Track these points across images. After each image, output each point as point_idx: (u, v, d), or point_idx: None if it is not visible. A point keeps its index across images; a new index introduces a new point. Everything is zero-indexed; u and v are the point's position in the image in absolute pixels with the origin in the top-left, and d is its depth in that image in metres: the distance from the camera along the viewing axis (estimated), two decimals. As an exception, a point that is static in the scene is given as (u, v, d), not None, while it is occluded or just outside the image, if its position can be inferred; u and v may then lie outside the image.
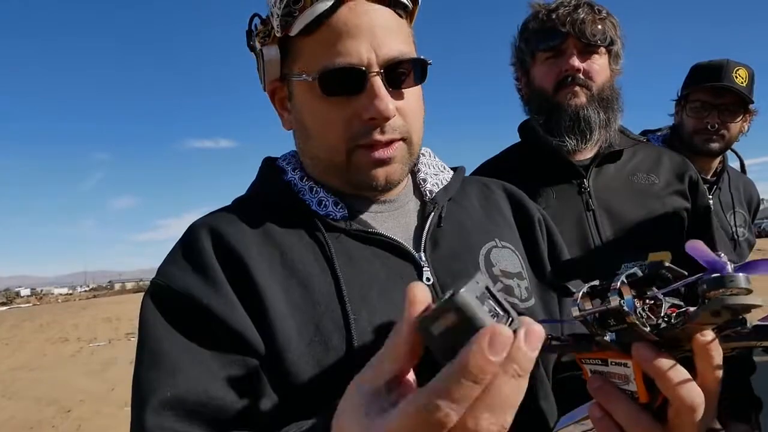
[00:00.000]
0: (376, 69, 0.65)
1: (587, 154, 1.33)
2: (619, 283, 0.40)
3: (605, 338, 0.41)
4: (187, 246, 0.66)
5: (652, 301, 0.41)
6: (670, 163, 1.40)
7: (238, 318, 0.60)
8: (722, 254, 0.38)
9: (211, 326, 0.60)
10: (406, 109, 0.68)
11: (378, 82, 0.65)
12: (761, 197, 2.27)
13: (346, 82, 0.65)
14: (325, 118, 0.67)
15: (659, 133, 1.95)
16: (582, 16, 1.23)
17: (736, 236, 1.96)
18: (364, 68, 0.65)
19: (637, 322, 0.39)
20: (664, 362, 0.38)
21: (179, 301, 0.61)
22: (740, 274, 0.36)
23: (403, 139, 0.69)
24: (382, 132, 0.66)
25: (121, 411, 5.86)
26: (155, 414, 0.56)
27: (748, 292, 0.36)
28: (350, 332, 0.61)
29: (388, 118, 0.65)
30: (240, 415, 0.57)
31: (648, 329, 0.39)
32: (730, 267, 0.37)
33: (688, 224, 1.34)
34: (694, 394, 0.39)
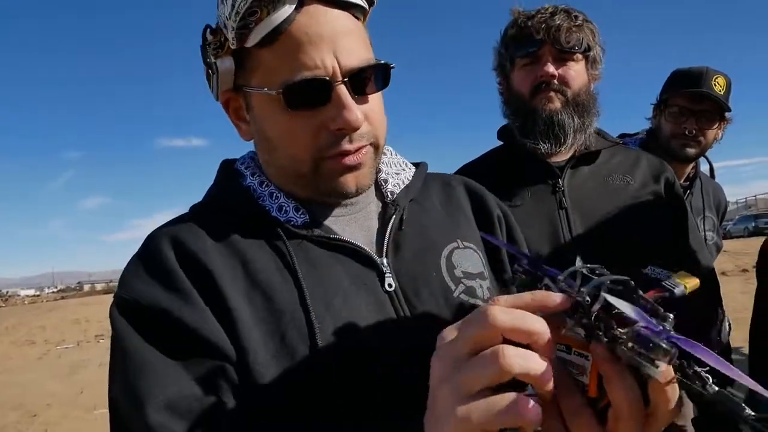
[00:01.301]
0: (340, 78, 0.63)
1: (564, 155, 1.36)
2: (599, 284, 0.40)
3: (574, 327, 0.41)
4: (149, 257, 0.65)
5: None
6: (648, 164, 1.43)
7: (211, 327, 0.60)
8: (666, 323, 0.38)
9: (186, 338, 0.59)
10: (371, 115, 0.67)
11: (344, 91, 0.63)
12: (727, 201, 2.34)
13: (311, 94, 0.63)
14: (289, 131, 0.66)
15: (636, 137, 1.99)
16: (558, 23, 1.27)
17: (705, 240, 2.01)
18: (328, 78, 0.63)
19: (597, 327, 0.39)
20: (617, 367, 0.38)
21: (150, 316, 0.60)
22: (664, 347, 0.36)
23: (371, 144, 0.68)
24: (351, 141, 0.65)
25: (90, 414, 5.70)
26: (157, 413, 0.55)
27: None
28: (315, 340, 0.61)
29: (357, 128, 0.64)
30: (230, 417, 0.57)
31: (605, 340, 0.39)
32: (663, 336, 0.37)
33: (666, 225, 1.37)
34: (635, 406, 0.39)
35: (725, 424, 0.38)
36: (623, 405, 0.39)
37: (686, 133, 1.81)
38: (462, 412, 0.37)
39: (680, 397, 0.40)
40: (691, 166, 1.96)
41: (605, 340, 0.39)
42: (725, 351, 1.51)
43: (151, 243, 0.66)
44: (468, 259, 0.75)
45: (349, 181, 0.67)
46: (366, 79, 0.66)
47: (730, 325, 2.30)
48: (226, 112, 0.73)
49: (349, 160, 0.66)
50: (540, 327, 0.38)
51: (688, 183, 1.96)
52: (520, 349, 0.37)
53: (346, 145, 0.65)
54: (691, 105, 1.81)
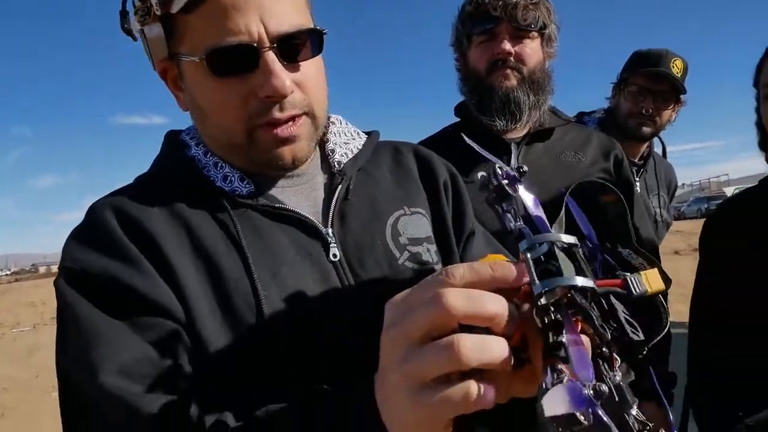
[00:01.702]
0: (267, 44, 0.61)
1: (519, 132, 1.40)
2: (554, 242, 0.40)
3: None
4: (94, 227, 0.63)
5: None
6: (598, 142, 1.49)
7: (161, 292, 0.60)
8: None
9: (138, 302, 0.59)
10: (304, 83, 0.66)
11: (271, 57, 0.62)
12: (678, 182, 2.44)
13: (237, 60, 0.62)
14: (219, 100, 0.64)
15: (594, 115, 2.04)
16: (514, 1, 1.28)
17: (658, 218, 2.09)
18: (255, 44, 0.61)
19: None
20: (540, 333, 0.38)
21: (101, 284, 0.59)
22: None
23: (305, 114, 0.67)
24: (281, 109, 0.64)
25: (47, 397, 5.55)
26: (112, 377, 0.55)
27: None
28: (261, 309, 0.61)
29: (285, 95, 0.63)
30: (186, 378, 0.58)
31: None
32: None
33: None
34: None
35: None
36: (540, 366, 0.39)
37: (643, 112, 1.87)
38: (414, 400, 0.37)
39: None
40: (646, 145, 2.02)
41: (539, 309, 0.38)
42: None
43: (93, 213, 0.65)
44: (414, 225, 0.75)
45: (285, 153, 0.66)
46: (297, 46, 0.64)
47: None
48: (165, 82, 0.71)
49: (282, 131, 0.65)
50: (500, 310, 0.37)
51: (642, 162, 2.02)
52: (478, 338, 0.37)
53: (276, 114, 0.64)
54: (650, 84, 1.86)
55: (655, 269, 0.42)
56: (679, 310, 1.46)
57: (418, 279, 0.41)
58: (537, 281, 0.37)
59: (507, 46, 1.31)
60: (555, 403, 0.32)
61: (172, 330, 0.59)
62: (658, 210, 2.08)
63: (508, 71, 1.32)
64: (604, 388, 0.34)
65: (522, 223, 0.42)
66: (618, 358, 0.39)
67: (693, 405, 1.16)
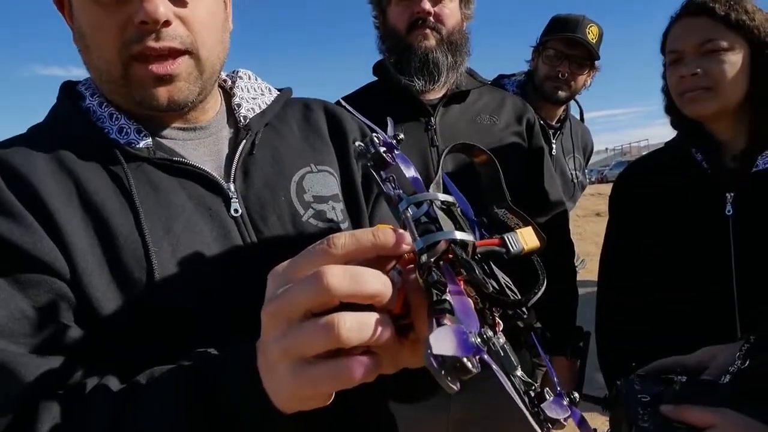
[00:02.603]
0: None
1: (436, 94, 1.41)
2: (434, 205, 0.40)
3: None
4: None
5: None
6: (512, 106, 1.53)
7: (45, 248, 0.57)
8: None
9: (19, 258, 0.56)
10: (191, 19, 0.63)
11: None
12: (601, 147, 2.56)
13: None
14: (97, 24, 0.62)
15: (514, 78, 2.08)
16: None
17: (574, 179, 2.20)
18: None
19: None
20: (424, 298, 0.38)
21: None
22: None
23: (187, 52, 0.64)
24: (157, 39, 0.61)
25: None
26: None
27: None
28: (151, 265, 0.59)
29: (158, 21, 0.60)
30: (65, 344, 0.55)
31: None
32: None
33: (525, 164, 1.48)
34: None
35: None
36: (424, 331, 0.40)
37: (559, 76, 1.93)
38: (293, 375, 0.38)
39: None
40: (563, 108, 2.09)
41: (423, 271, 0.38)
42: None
43: None
44: (320, 183, 0.74)
45: (161, 93, 0.63)
46: None
47: (583, 260, 2.57)
48: (63, 14, 0.68)
49: (158, 68, 0.62)
50: (381, 288, 0.38)
51: (558, 124, 2.10)
52: (358, 317, 0.37)
53: (151, 42, 0.61)
54: (566, 49, 1.92)
55: (530, 227, 0.43)
56: (595, 269, 1.55)
57: (322, 236, 0.40)
58: (418, 238, 0.38)
59: (427, 5, 1.31)
60: (441, 343, 0.32)
61: (55, 288, 0.56)
62: (573, 172, 2.18)
63: (428, 31, 1.33)
64: (490, 333, 0.34)
65: (401, 190, 0.42)
66: (501, 322, 0.40)
67: (597, 353, 1.25)
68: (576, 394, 0.38)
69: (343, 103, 0.55)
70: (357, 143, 0.46)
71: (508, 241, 0.41)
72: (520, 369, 0.38)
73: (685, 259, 1.12)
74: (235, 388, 0.44)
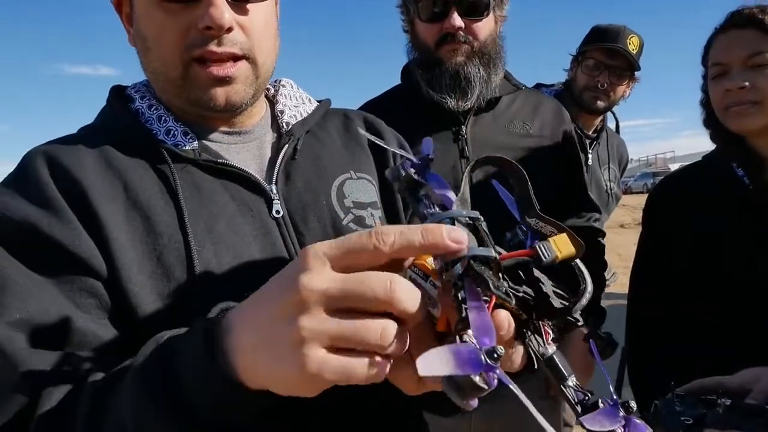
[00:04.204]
0: None
1: (467, 104, 1.34)
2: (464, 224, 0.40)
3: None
4: (23, 175, 0.62)
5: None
6: (547, 112, 1.46)
7: (83, 245, 0.58)
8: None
9: (56, 254, 0.57)
10: (249, 26, 0.66)
11: None
12: (629, 157, 2.52)
13: None
14: (161, 27, 0.65)
15: (552, 88, 2.07)
16: None
17: (609, 190, 2.16)
18: None
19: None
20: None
21: (19, 231, 0.58)
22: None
23: (245, 58, 0.67)
24: (219, 44, 0.64)
25: None
26: (3, 328, 0.53)
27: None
28: (193, 264, 0.60)
29: (222, 28, 0.63)
30: (89, 340, 0.56)
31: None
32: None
33: (560, 172, 1.42)
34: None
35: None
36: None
37: (598, 86, 1.91)
38: (313, 359, 0.37)
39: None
40: (600, 118, 2.07)
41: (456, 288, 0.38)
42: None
43: (25, 159, 0.64)
44: (360, 190, 0.76)
45: (219, 93, 0.66)
46: None
47: (614, 273, 2.51)
48: (120, 16, 0.72)
49: (218, 70, 0.65)
50: (412, 306, 0.37)
51: (595, 135, 2.08)
52: (402, 330, 0.38)
53: (213, 47, 0.64)
54: (606, 59, 1.90)
55: (564, 234, 0.42)
56: (623, 282, 1.52)
57: None
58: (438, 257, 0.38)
59: (456, 21, 1.25)
60: (429, 364, 0.32)
61: (89, 284, 0.58)
62: (608, 183, 2.15)
63: (458, 46, 1.28)
64: (501, 350, 0.34)
65: (437, 208, 0.42)
66: (551, 331, 0.40)
67: (628, 368, 1.22)
68: (633, 403, 0.37)
69: (365, 133, 0.56)
70: (387, 171, 0.46)
71: (540, 251, 0.41)
72: (573, 378, 0.38)
73: (723, 276, 1.09)
74: (188, 368, 0.43)
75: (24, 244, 0.57)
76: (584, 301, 0.39)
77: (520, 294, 0.40)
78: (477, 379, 0.33)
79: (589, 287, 0.40)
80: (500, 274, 0.39)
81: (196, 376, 0.42)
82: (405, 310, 0.37)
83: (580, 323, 0.40)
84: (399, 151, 0.48)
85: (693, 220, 1.16)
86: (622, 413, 0.36)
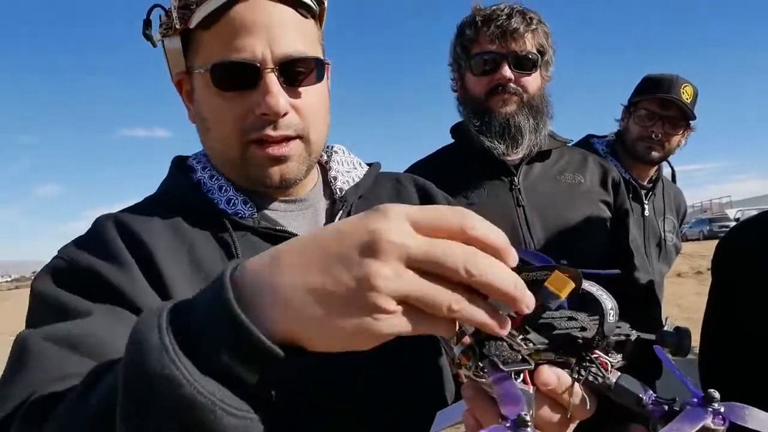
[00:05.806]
0: (270, 66, 0.66)
1: (518, 154, 1.41)
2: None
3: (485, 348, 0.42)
4: (92, 234, 0.66)
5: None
6: (595, 164, 1.50)
7: (140, 293, 0.60)
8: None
9: (111, 295, 0.59)
10: (303, 107, 0.69)
11: (272, 78, 0.66)
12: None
13: (239, 76, 0.66)
14: (219, 112, 0.69)
15: (605, 139, 2.05)
16: (514, 26, 1.31)
17: (664, 241, 2.09)
18: (257, 64, 0.65)
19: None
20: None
21: (83, 276, 0.60)
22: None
23: (299, 137, 0.70)
24: (275, 128, 0.68)
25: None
26: (42, 339, 0.54)
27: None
28: None
29: (279, 114, 0.66)
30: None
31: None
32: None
33: (609, 223, 1.43)
34: (554, 421, 0.42)
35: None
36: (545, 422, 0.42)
37: (653, 136, 1.88)
38: (387, 309, 0.34)
39: (589, 395, 0.42)
40: (655, 169, 2.03)
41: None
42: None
43: (96, 223, 0.69)
44: None
45: (274, 171, 0.69)
46: (299, 71, 0.69)
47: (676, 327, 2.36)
48: (180, 94, 0.77)
49: (273, 150, 0.68)
50: (499, 282, 0.37)
51: (651, 185, 2.03)
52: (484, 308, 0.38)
53: (269, 131, 0.67)
54: (659, 110, 1.88)
55: (555, 271, 0.40)
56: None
57: None
58: (453, 348, 0.42)
59: (507, 72, 1.32)
60: None
61: None
62: (665, 233, 2.09)
63: (509, 96, 1.34)
64: (528, 418, 0.35)
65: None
66: (610, 362, 0.41)
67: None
68: (716, 393, 0.37)
69: (419, 180, 0.57)
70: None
71: (546, 299, 0.40)
72: (650, 393, 0.38)
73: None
74: (201, 317, 0.39)
75: (87, 287, 0.59)
76: (611, 318, 0.39)
77: (540, 345, 0.41)
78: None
79: (610, 304, 0.40)
80: (516, 336, 0.41)
81: (207, 312, 0.39)
82: (489, 284, 0.36)
83: (632, 336, 0.40)
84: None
85: (764, 272, 1.11)
86: (710, 408, 0.36)
